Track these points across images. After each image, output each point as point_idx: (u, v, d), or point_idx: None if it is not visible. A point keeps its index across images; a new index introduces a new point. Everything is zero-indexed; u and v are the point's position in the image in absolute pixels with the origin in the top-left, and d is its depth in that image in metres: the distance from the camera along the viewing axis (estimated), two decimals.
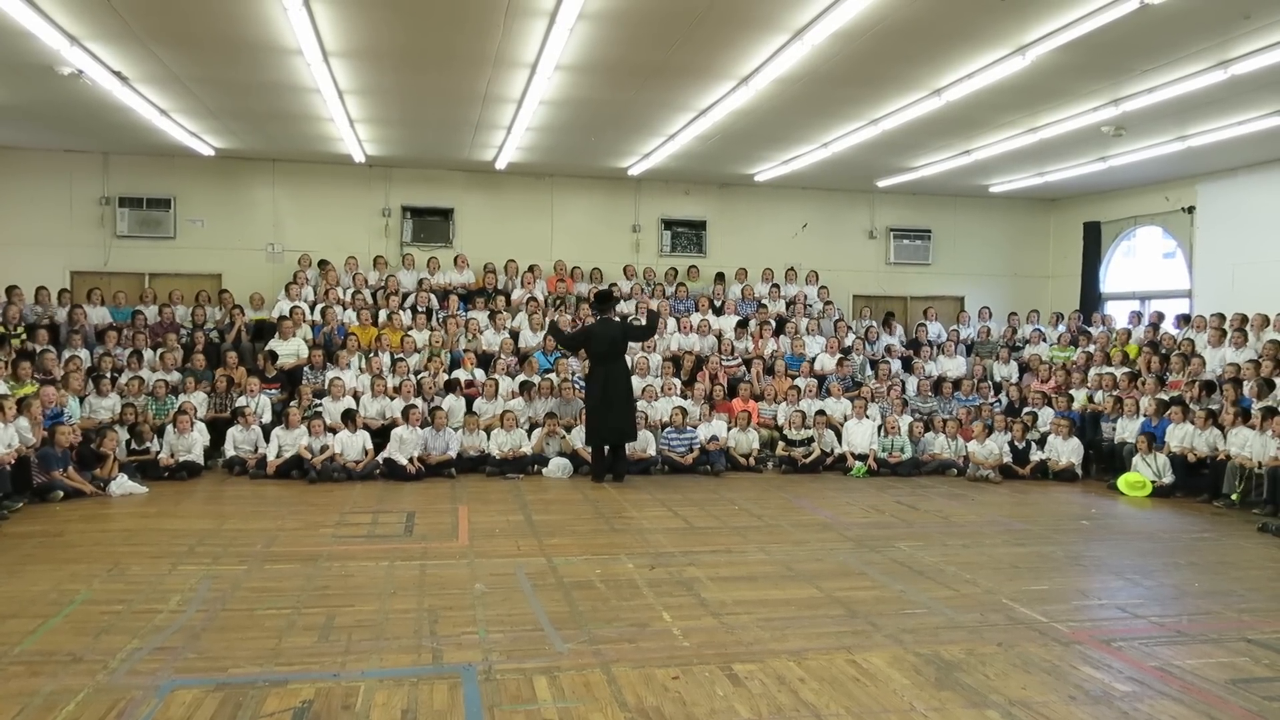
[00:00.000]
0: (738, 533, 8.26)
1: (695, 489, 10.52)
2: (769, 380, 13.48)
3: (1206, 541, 8.34)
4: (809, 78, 9.86)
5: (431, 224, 15.90)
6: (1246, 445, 9.91)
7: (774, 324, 15.02)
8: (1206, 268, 14.65)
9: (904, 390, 13.66)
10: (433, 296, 14.60)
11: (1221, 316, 12.79)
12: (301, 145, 13.78)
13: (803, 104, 10.96)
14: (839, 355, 14.25)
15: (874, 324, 15.69)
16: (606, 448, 10.99)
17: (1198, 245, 14.82)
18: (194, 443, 10.88)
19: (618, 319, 11.44)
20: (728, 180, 16.31)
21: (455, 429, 11.51)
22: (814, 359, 14.18)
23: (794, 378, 13.46)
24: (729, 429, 12.13)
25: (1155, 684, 4.74)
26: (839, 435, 12.28)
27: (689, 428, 11.81)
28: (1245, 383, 10.96)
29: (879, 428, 12.27)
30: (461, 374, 12.76)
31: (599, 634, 5.36)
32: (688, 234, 16.85)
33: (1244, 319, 12.50)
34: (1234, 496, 9.85)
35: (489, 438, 11.52)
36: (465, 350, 13.35)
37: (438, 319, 14.06)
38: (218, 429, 11.50)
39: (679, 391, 12.85)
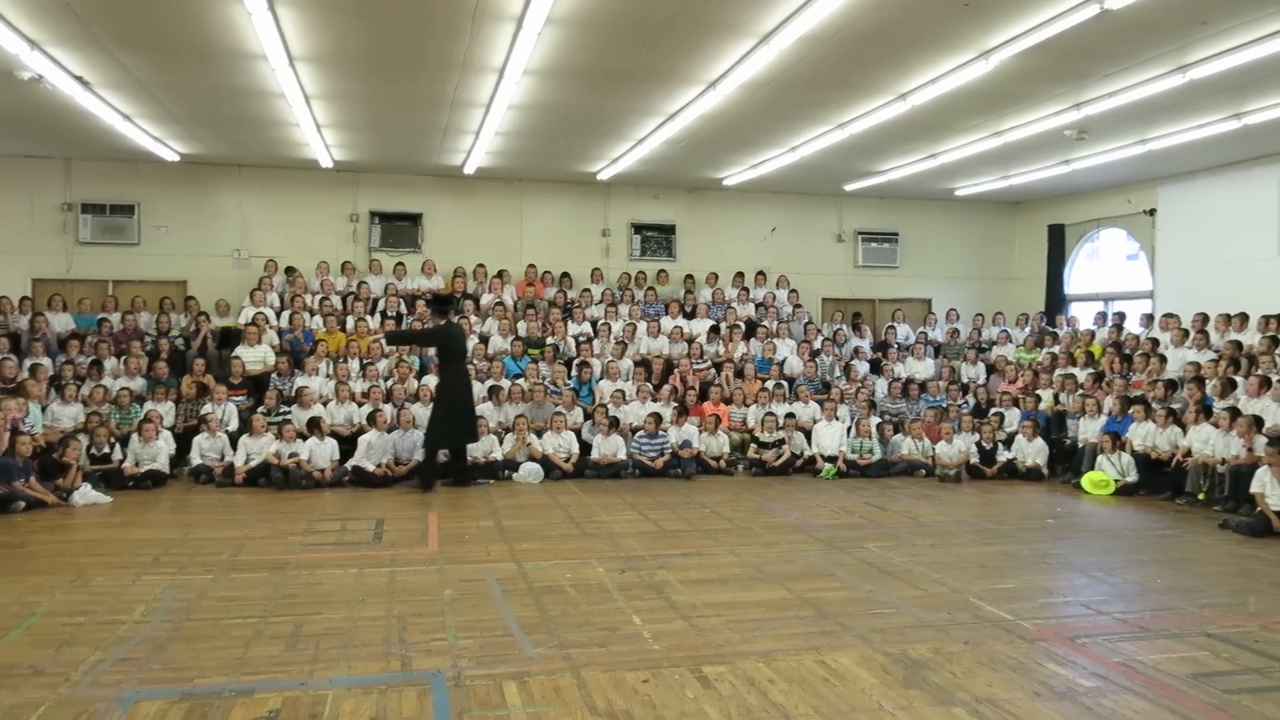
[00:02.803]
0: (708, 535, 8.28)
1: (666, 493, 10.54)
2: (739, 384, 13.53)
3: (1169, 539, 8.47)
4: (776, 82, 9.92)
5: (400, 229, 15.83)
6: (1209, 443, 10.06)
7: (744, 327, 15.07)
8: (1168, 269, 14.88)
9: (873, 392, 13.76)
10: (401, 302, 14.52)
11: (1179, 318, 13.03)
12: (268, 150, 13.67)
13: (770, 108, 11.03)
14: (808, 359, 14.36)
15: (843, 327, 15.79)
16: (443, 454, 10.83)
17: (1159, 247, 15.05)
18: (159, 451, 10.74)
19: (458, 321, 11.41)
20: (697, 184, 16.36)
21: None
22: (783, 362, 14.25)
23: (764, 381, 13.52)
24: (700, 433, 12.15)
25: (1118, 679, 4.81)
26: (809, 437, 12.35)
27: (660, 432, 11.82)
28: (1207, 382, 11.14)
29: (848, 430, 12.35)
30: (431, 380, 12.68)
31: (569, 638, 5.36)
32: (657, 238, 16.89)
33: (1205, 319, 12.71)
34: (1200, 495, 9.98)
35: None
36: (434, 357, 13.26)
37: (406, 325, 13.98)
38: (184, 438, 11.37)
39: (651, 396, 12.86)
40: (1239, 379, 10.84)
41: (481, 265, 15.49)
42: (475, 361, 13.09)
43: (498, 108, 10.81)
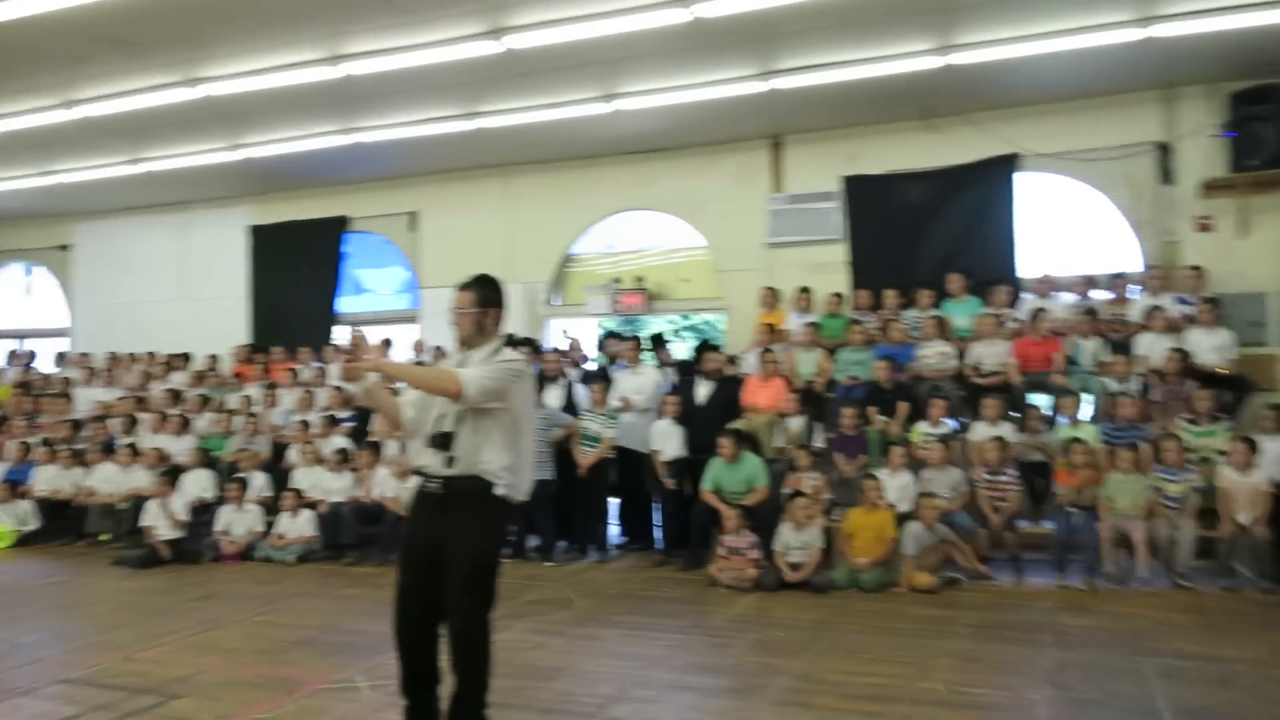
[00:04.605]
0: None
1: None
2: None
3: (58, 585, 8.13)
4: None
5: None
6: (110, 481, 10.07)
7: None
8: (85, 306, 14.67)
9: None
10: None
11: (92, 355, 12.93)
12: None
13: None
14: None
15: None
16: None
17: (77, 284, 14.75)
18: None
19: None
20: None
21: None
22: None
23: None
24: None
25: None
26: None
27: None
28: (115, 420, 11.14)
29: None
30: None
31: None
32: None
33: (116, 357, 12.82)
34: (102, 535, 9.87)
35: None
36: None
37: None
38: None
39: None
40: (144, 415, 11.11)
41: None
42: None
43: None
